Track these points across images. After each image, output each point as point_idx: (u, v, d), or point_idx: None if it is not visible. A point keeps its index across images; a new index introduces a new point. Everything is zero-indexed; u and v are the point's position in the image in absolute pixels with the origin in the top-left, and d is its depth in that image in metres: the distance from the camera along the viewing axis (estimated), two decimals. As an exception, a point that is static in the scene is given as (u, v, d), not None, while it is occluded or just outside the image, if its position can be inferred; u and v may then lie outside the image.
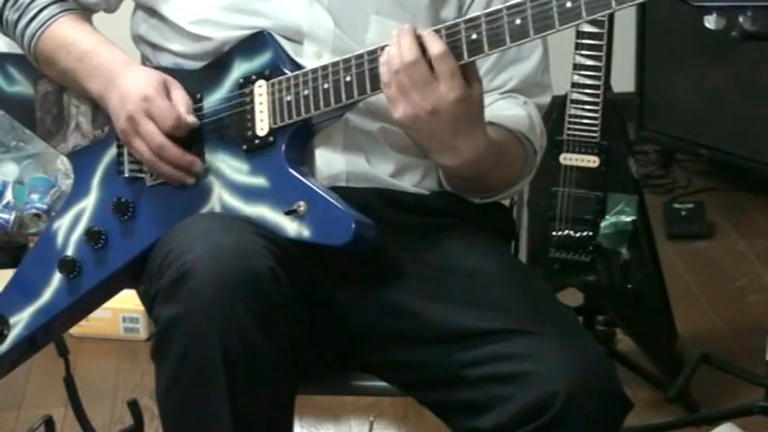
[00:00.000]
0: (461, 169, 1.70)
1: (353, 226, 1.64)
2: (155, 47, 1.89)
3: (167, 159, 1.76)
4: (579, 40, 2.56)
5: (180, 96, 1.78)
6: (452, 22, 1.64)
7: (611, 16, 2.55)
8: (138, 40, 1.92)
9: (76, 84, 1.86)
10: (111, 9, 1.94)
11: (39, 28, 1.86)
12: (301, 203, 1.67)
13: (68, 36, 1.86)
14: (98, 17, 1.95)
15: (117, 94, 1.78)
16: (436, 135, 1.65)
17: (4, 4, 1.90)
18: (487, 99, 1.77)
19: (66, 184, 3.36)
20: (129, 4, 1.93)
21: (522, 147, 1.83)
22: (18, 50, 1.93)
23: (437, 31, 1.63)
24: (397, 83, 1.63)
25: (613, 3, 1.55)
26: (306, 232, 1.67)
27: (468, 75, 1.64)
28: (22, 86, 1.95)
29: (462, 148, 1.67)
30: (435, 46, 1.62)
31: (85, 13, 1.93)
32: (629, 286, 2.70)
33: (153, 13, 1.88)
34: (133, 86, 1.77)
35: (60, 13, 1.88)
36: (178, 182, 1.77)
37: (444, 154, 1.68)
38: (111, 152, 1.85)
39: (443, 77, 1.62)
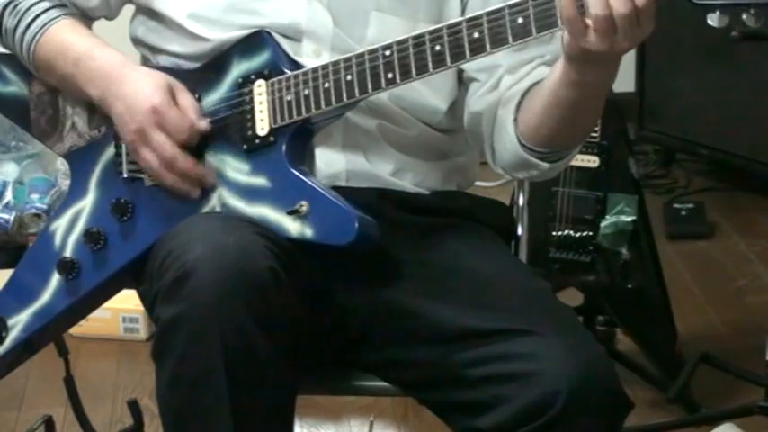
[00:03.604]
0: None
1: (357, 225, 1.63)
2: (153, 49, 1.88)
3: (178, 171, 1.74)
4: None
5: (187, 101, 1.76)
6: (454, 21, 1.62)
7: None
8: (137, 42, 1.91)
9: (77, 89, 1.83)
10: (111, 16, 1.93)
11: (37, 32, 1.84)
12: (304, 203, 1.67)
13: (65, 40, 1.84)
14: (97, 20, 1.95)
15: (121, 105, 1.76)
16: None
17: (3, 11, 1.88)
18: (532, 66, 1.77)
19: (66, 184, 3.34)
20: (129, 8, 1.92)
21: None
22: (12, 50, 1.92)
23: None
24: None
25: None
26: (309, 232, 1.66)
27: None
28: (16, 87, 1.93)
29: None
30: None
31: (85, 19, 1.91)
32: (629, 286, 2.70)
33: (151, 15, 1.87)
34: (138, 97, 1.74)
35: (58, 17, 1.86)
36: (182, 193, 1.75)
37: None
38: (109, 152, 1.84)
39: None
